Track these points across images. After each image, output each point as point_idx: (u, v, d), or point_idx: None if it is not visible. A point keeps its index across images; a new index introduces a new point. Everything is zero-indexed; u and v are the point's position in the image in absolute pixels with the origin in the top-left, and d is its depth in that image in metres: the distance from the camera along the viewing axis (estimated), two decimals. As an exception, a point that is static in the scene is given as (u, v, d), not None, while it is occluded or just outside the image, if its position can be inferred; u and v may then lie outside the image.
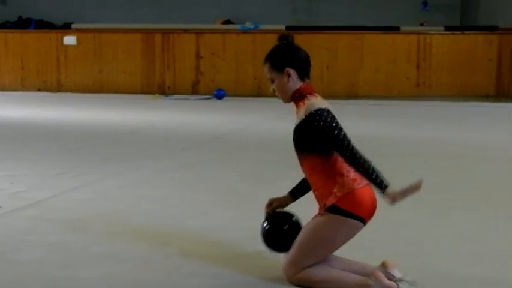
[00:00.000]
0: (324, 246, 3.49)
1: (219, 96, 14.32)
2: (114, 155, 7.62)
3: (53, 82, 15.74)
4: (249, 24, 15.58)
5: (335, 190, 3.45)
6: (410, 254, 4.12)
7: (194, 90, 15.34)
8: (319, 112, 3.46)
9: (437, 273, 3.77)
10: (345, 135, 3.44)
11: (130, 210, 5.18)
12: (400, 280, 3.43)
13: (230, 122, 10.53)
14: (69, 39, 15.60)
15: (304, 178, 3.72)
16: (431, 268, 3.87)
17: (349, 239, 3.54)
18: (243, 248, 4.22)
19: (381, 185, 3.35)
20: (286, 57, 3.61)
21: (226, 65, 15.12)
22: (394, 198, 3.33)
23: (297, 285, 3.53)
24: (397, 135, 9.41)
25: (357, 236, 3.57)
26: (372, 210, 3.55)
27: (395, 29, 15.32)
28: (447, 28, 15.37)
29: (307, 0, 18.68)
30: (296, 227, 3.67)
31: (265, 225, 3.74)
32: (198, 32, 15.35)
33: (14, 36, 16.01)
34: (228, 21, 18.13)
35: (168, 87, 15.42)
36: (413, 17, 17.80)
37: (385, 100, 13.99)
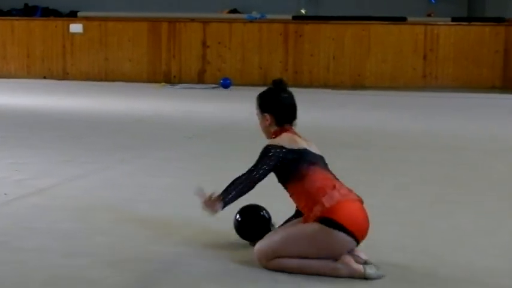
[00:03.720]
0: (307, 248, 3.58)
1: (225, 85, 14.30)
2: (119, 144, 7.61)
3: (58, 70, 15.73)
4: (255, 14, 15.54)
5: (324, 200, 3.59)
6: (416, 247, 4.11)
7: (200, 79, 15.32)
8: (267, 146, 3.75)
9: (444, 265, 3.76)
10: (255, 174, 3.69)
11: (135, 199, 5.18)
12: (366, 263, 3.56)
13: (236, 111, 10.51)
14: (75, 27, 15.58)
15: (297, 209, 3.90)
16: (438, 260, 3.86)
17: (337, 253, 3.57)
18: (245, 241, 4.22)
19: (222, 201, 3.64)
20: (269, 103, 3.88)
21: (233, 54, 15.09)
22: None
23: (271, 269, 3.60)
24: (402, 126, 9.38)
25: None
26: (364, 224, 3.63)
27: (402, 20, 15.26)
28: (454, 19, 15.31)
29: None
30: (265, 219, 4.07)
31: (237, 217, 4.10)
32: (205, 21, 15.31)
33: (20, 24, 16.00)
34: (234, 11, 18.09)
35: (174, 76, 15.40)
36: (420, 7, 17.74)
37: (391, 91, 13.95)
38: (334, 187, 3.65)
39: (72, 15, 16.75)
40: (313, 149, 3.81)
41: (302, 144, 3.76)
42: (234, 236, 4.13)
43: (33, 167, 6.25)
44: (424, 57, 14.79)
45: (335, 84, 14.23)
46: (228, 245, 4.03)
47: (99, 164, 6.47)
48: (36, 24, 15.97)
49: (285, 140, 3.75)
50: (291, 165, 3.70)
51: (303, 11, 17.72)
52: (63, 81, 15.24)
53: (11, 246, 4.01)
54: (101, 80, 15.39)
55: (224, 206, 3.64)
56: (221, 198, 3.63)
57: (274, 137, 3.82)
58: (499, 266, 3.79)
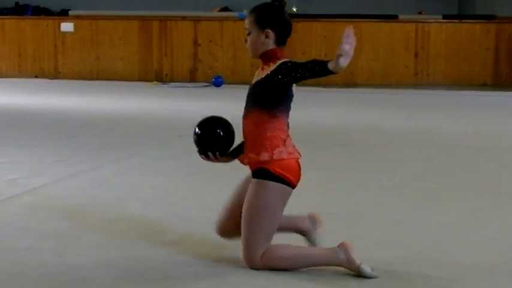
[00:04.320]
0: (265, 218, 3.51)
1: (217, 83, 14.31)
2: (111, 143, 7.61)
3: (50, 69, 15.71)
4: (246, 12, 15.57)
5: (274, 151, 3.53)
6: (404, 244, 4.13)
7: (192, 77, 15.33)
8: (287, 62, 3.52)
9: (432, 263, 3.78)
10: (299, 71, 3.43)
11: (127, 198, 5.18)
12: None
13: (228, 109, 10.49)
14: (67, 26, 15.56)
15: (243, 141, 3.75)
16: (426, 257, 3.88)
17: (284, 206, 3.57)
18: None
19: (327, 69, 3.37)
20: (272, 18, 3.64)
21: (224, 53, 15.09)
22: (343, 61, 3.33)
23: (268, 269, 3.54)
24: (394, 124, 9.41)
25: (350, 223, 3.58)
26: (299, 179, 3.62)
27: (393, 18, 15.30)
28: (445, 17, 15.35)
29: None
30: (227, 127, 3.76)
31: (196, 130, 3.79)
32: (196, 20, 15.31)
33: (10, 23, 15.96)
34: (225, 9, 18.09)
35: (166, 75, 15.40)
36: (411, 5, 17.78)
37: (383, 88, 13.98)
38: (284, 142, 3.58)
39: (63, 14, 16.73)
40: None
41: None
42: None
43: (25, 166, 6.24)
44: (416, 55, 14.83)
45: (327, 83, 14.25)
46: (222, 244, 4.03)
47: (91, 163, 6.47)
48: (27, 23, 15.94)
49: None
50: (285, 93, 3.57)
51: (294, 9, 17.72)
52: (54, 80, 15.22)
53: (3, 246, 4.01)
54: (92, 78, 15.38)
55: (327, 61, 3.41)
56: (327, 64, 3.39)
57: (272, 60, 3.60)
58: (489, 262, 3.81)
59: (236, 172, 6.03)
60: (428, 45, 14.80)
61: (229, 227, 3.76)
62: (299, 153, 3.66)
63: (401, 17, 15.35)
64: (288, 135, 3.64)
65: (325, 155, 7.04)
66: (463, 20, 15.08)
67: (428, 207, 5.04)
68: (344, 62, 3.31)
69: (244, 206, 3.60)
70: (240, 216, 3.62)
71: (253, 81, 3.68)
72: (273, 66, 3.58)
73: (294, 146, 3.64)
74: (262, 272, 3.55)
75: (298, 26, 14.90)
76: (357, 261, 3.49)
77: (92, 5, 17.92)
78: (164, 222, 4.54)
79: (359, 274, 3.50)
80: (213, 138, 3.74)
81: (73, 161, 6.52)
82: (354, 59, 13.44)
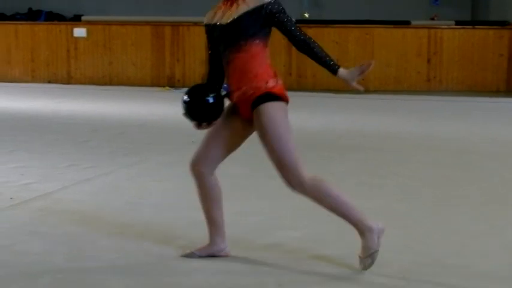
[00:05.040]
0: (289, 134, 3.63)
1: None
2: (122, 148, 7.62)
3: (63, 74, 15.75)
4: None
5: (275, 78, 3.73)
6: (418, 250, 4.11)
7: (204, 83, 15.33)
8: (278, 0, 3.71)
9: (446, 269, 3.77)
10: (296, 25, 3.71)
11: (139, 203, 5.19)
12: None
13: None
14: (79, 32, 15.61)
15: (213, 74, 3.91)
16: (440, 263, 3.86)
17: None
18: (251, 242, 4.23)
19: (334, 66, 3.65)
20: None
21: (236, 58, 15.10)
22: (353, 78, 3.60)
23: (310, 196, 3.58)
24: (406, 129, 9.37)
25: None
26: None
27: (405, 23, 15.26)
28: (458, 23, 15.30)
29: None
30: (219, 97, 3.80)
31: (185, 98, 3.84)
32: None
33: (24, 28, 16.03)
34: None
35: (178, 80, 15.43)
36: (423, 11, 17.75)
37: (395, 94, 13.95)
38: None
39: (76, 19, 16.79)
40: None
41: None
42: (238, 241, 4.13)
43: (38, 171, 6.27)
44: (428, 61, 14.79)
45: (339, 88, 14.21)
46: (233, 248, 4.03)
47: (103, 168, 6.49)
48: (40, 29, 16.00)
49: None
50: (268, 27, 3.78)
51: (306, 15, 17.73)
52: (67, 86, 15.26)
53: (16, 250, 4.03)
54: (105, 84, 15.41)
55: (339, 66, 3.71)
56: (337, 66, 3.69)
57: None
58: (501, 269, 3.79)
59: (249, 177, 6.04)
60: (441, 51, 14.75)
61: (208, 161, 3.89)
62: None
63: (413, 22, 15.32)
64: None
65: (337, 160, 7.03)
66: (476, 26, 15.03)
67: (441, 213, 5.02)
68: (349, 83, 3.63)
69: (263, 133, 3.65)
70: (222, 155, 3.85)
71: (227, 18, 3.72)
72: (250, 2, 3.68)
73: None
74: (275, 276, 3.54)
75: (310, 32, 14.84)
76: (374, 246, 3.59)
77: (105, 10, 17.98)
78: (175, 226, 4.54)
79: (362, 257, 3.59)
80: (203, 107, 3.77)
81: (85, 166, 6.54)
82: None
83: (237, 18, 3.68)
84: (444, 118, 10.60)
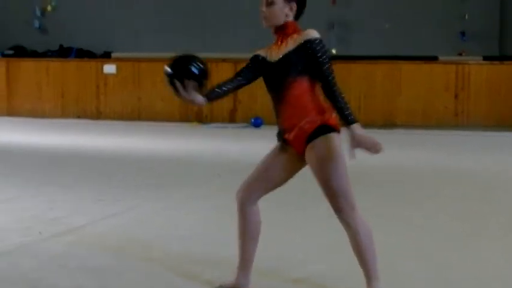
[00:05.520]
0: (343, 165, 3.72)
1: (257, 124, 14.37)
2: (151, 182, 7.67)
3: (92, 109, 15.93)
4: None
5: (327, 111, 3.73)
6: (441, 283, 4.08)
7: (231, 118, 15.42)
8: (322, 41, 3.73)
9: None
10: (333, 69, 3.72)
11: (166, 236, 5.21)
12: None
13: (267, 150, 10.53)
14: (109, 68, 15.81)
15: (223, 88, 3.90)
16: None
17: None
18: (278, 276, 4.22)
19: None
20: None
21: (264, 94, 15.06)
22: (359, 143, 3.59)
23: (355, 227, 3.64)
24: (433, 164, 9.34)
25: (388, 263, 3.57)
26: None
27: (433, 59, 15.26)
28: (485, 58, 15.28)
29: (343, 30, 18.71)
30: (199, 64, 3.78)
31: (168, 71, 3.81)
32: (236, 61, 15.44)
33: (55, 65, 16.28)
34: (265, 50, 18.20)
35: (206, 116, 15.52)
36: (451, 46, 17.72)
37: (423, 129, 13.91)
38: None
39: (106, 56, 17.00)
40: None
41: None
42: (265, 275, 4.13)
43: (66, 205, 6.32)
44: (456, 96, 14.76)
45: (366, 123, 14.18)
46: (261, 285, 4.03)
47: (131, 201, 6.53)
48: (71, 65, 16.24)
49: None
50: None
51: (333, 51, 17.80)
52: (96, 121, 15.42)
53: (46, 284, 4.06)
54: (134, 119, 15.55)
55: (357, 121, 3.67)
56: (354, 119, 3.65)
57: (294, 30, 3.79)
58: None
59: (275, 211, 6.05)
60: (469, 86, 14.72)
61: (252, 190, 3.91)
62: None
63: (441, 58, 15.31)
64: None
65: (365, 194, 7.00)
66: (504, 62, 14.99)
67: (471, 246, 4.98)
68: (351, 143, 3.60)
69: (319, 165, 3.70)
70: (267, 188, 3.88)
71: (279, 55, 3.77)
72: (298, 38, 3.73)
73: None
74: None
75: (337, 67, 14.86)
76: None
77: (135, 47, 18.19)
78: (202, 260, 4.55)
79: None
80: (188, 78, 3.73)
81: (113, 200, 6.59)
82: (394, 99, 13.35)
83: (284, 55, 3.75)
84: (472, 152, 10.54)
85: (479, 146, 11.47)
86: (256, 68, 3.86)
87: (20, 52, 17.89)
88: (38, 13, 18.49)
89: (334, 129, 3.71)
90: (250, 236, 3.89)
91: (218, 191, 7.15)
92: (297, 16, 3.85)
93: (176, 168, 8.81)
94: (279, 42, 3.81)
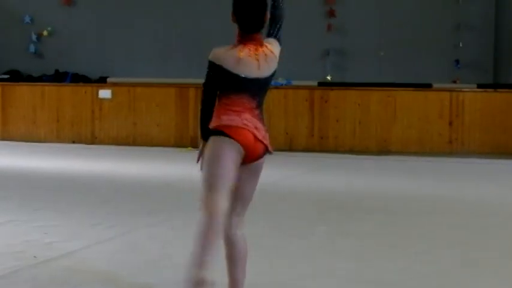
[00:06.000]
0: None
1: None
2: (145, 207, 7.67)
3: (87, 134, 15.94)
4: (281, 80, 15.72)
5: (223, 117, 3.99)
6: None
7: (226, 144, 15.41)
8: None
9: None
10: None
11: (161, 263, 5.21)
12: None
13: (262, 176, 10.54)
14: (105, 93, 15.85)
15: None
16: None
17: (219, 152, 4.23)
18: None
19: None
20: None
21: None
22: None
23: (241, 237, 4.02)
24: (428, 191, 9.35)
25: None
26: (249, 139, 4.07)
27: (427, 86, 15.35)
28: (480, 86, 15.37)
29: (339, 57, 18.82)
30: None
31: None
32: (232, 87, 15.50)
33: (50, 89, 16.31)
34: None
35: (201, 141, 15.54)
36: (445, 74, 17.83)
37: (417, 156, 13.95)
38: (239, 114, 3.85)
39: (102, 81, 17.05)
40: (251, 69, 3.82)
41: (229, 62, 3.78)
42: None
43: (61, 230, 6.31)
44: (450, 123, 14.82)
45: (361, 150, 14.25)
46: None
47: (125, 227, 6.53)
48: (66, 90, 16.28)
49: (218, 52, 3.87)
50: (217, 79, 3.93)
51: (328, 78, 17.88)
52: (91, 146, 15.42)
53: (39, 308, 4.05)
54: (129, 144, 15.55)
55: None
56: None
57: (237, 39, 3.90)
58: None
59: (269, 237, 6.04)
60: (463, 114, 14.79)
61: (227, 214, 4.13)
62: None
63: (435, 85, 15.40)
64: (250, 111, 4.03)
65: (360, 221, 7.01)
66: (498, 89, 15.08)
67: (466, 275, 4.98)
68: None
69: (257, 177, 4.14)
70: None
71: (264, 71, 3.89)
72: (273, 48, 3.92)
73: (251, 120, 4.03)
74: None
75: (333, 94, 15.01)
76: None
77: (131, 72, 18.25)
78: (198, 287, 4.53)
79: None
80: None
81: (108, 225, 6.58)
82: (388, 126, 13.44)
83: (274, 69, 3.92)
84: (467, 180, 10.56)
85: (473, 174, 11.50)
86: (219, 77, 3.98)
87: (15, 76, 17.96)
88: (34, 38, 18.56)
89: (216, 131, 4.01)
90: (237, 258, 3.92)
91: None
92: (244, 27, 3.82)
93: (171, 193, 8.81)
94: (252, 51, 3.81)
